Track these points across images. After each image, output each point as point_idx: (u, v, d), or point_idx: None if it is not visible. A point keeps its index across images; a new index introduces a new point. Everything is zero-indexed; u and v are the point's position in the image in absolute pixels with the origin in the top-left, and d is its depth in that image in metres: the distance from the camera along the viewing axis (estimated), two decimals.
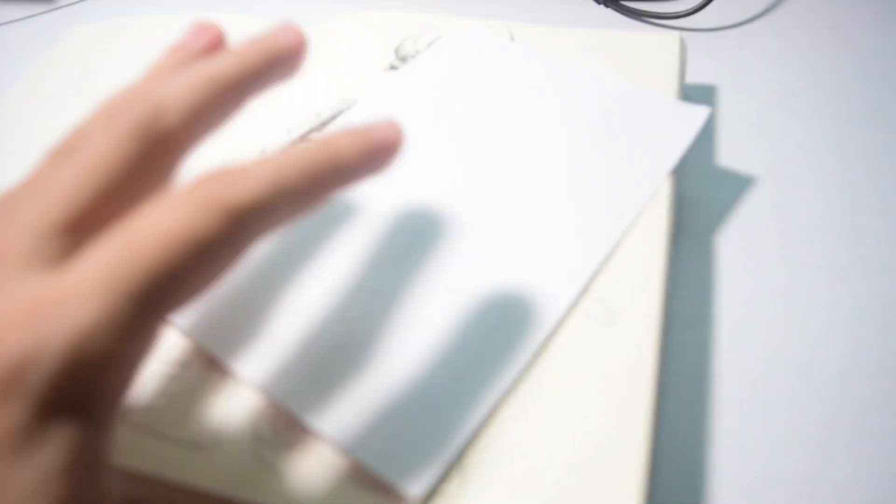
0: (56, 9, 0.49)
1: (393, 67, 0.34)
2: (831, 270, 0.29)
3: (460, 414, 0.21)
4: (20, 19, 0.48)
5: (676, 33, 0.33)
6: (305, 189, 0.17)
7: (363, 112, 0.30)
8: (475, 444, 0.20)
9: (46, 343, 0.14)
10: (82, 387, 0.14)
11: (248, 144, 0.30)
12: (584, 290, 0.24)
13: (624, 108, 0.30)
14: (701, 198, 0.31)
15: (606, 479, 0.20)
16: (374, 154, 0.18)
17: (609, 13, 0.43)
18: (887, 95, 0.36)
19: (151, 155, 0.17)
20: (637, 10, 0.42)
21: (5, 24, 0.48)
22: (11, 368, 0.14)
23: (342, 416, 0.21)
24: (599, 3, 0.43)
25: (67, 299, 0.14)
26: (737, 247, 0.30)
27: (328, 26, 0.37)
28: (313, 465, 0.20)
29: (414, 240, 0.25)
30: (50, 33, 0.46)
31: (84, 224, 0.16)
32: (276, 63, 0.20)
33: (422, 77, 0.32)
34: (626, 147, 0.28)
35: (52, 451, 0.14)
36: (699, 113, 0.29)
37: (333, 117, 0.31)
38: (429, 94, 0.31)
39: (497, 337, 0.22)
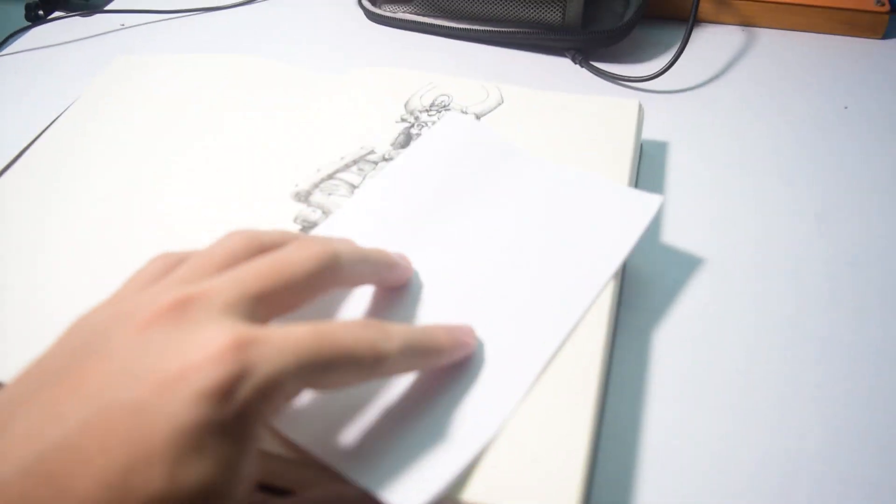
0: (96, 36, 0.56)
1: (403, 119, 0.41)
2: (769, 355, 0.36)
3: (450, 456, 0.25)
4: (60, 44, 0.55)
5: (636, 100, 0.41)
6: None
7: (370, 200, 0.35)
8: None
9: (256, 368, 0.20)
10: (269, 407, 0.20)
11: (284, 182, 0.37)
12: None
13: (583, 199, 0.34)
14: (646, 272, 0.38)
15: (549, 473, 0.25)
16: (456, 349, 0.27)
17: (584, 72, 0.50)
18: (823, 161, 0.43)
19: (322, 278, 0.25)
20: (606, 71, 0.50)
21: (48, 47, 0.54)
22: (231, 377, 0.20)
23: (348, 448, 0.25)
24: (576, 64, 0.51)
25: (272, 342, 0.21)
26: (675, 333, 0.37)
27: (346, 77, 0.44)
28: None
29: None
30: (87, 57, 0.53)
31: (267, 302, 0.23)
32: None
33: (408, 171, 0.36)
34: (583, 238, 0.32)
35: (232, 449, 0.20)
36: (652, 202, 0.34)
37: (355, 161, 0.38)
38: (413, 189, 0.35)
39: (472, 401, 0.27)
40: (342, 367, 0.22)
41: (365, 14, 0.58)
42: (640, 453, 0.29)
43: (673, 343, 0.33)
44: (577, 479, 0.25)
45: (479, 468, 0.25)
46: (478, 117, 0.40)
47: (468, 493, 0.25)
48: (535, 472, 0.25)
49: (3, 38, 0.57)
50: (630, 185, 0.37)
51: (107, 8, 0.61)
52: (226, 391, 0.19)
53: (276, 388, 0.20)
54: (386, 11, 0.57)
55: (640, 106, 0.41)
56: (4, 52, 0.56)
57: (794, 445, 0.29)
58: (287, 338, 0.21)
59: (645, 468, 0.29)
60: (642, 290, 0.35)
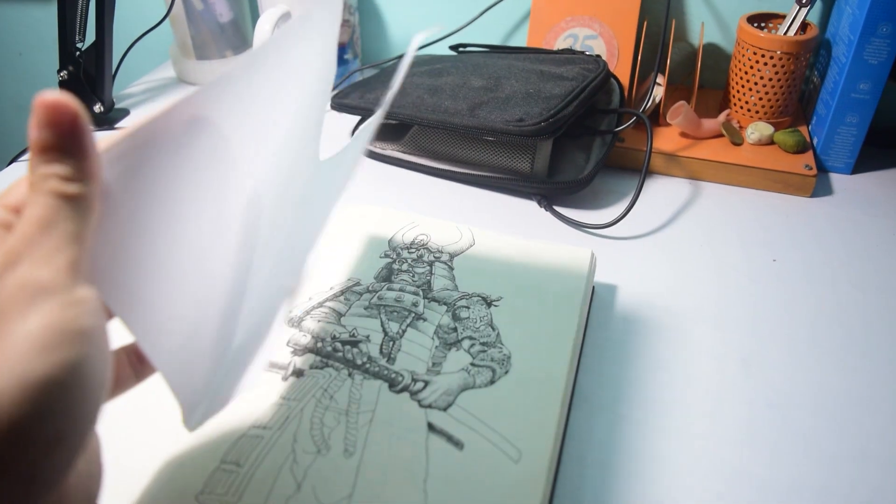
0: None
1: (386, 255, 0.47)
2: None
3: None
4: None
5: (589, 249, 0.47)
6: None
7: None
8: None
9: None
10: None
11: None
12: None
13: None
14: (592, 397, 0.44)
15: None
16: None
17: (549, 216, 0.57)
18: (751, 308, 0.50)
19: None
20: (568, 217, 0.57)
21: None
22: None
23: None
24: (541, 207, 0.58)
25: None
26: (609, 466, 0.42)
27: (339, 213, 0.51)
28: None
29: None
30: None
31: None
32: None
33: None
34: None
35: None
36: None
37: (342, 291, 0.44)
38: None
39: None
40: None
41: None
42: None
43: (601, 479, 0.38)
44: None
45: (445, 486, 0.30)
46: (451, 257, 0.47)
47: None
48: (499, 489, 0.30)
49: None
50: (580, 324, 0.43)
51: (118, 125, 0.68)
52: None
53: None
54: (377, 148, 0.64)
55: (593, 255, 0.47)
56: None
57: None
58: None
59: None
60: (588, 411, 0.41)
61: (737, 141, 0.64)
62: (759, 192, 0.62)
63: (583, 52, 0.65)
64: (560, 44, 0.70)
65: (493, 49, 0.71)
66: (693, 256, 0.54)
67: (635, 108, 0.66)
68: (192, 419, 0.30)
